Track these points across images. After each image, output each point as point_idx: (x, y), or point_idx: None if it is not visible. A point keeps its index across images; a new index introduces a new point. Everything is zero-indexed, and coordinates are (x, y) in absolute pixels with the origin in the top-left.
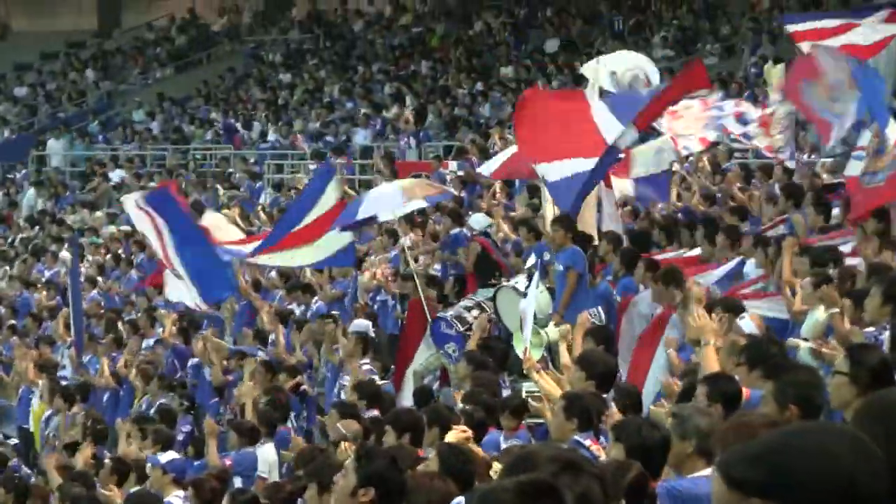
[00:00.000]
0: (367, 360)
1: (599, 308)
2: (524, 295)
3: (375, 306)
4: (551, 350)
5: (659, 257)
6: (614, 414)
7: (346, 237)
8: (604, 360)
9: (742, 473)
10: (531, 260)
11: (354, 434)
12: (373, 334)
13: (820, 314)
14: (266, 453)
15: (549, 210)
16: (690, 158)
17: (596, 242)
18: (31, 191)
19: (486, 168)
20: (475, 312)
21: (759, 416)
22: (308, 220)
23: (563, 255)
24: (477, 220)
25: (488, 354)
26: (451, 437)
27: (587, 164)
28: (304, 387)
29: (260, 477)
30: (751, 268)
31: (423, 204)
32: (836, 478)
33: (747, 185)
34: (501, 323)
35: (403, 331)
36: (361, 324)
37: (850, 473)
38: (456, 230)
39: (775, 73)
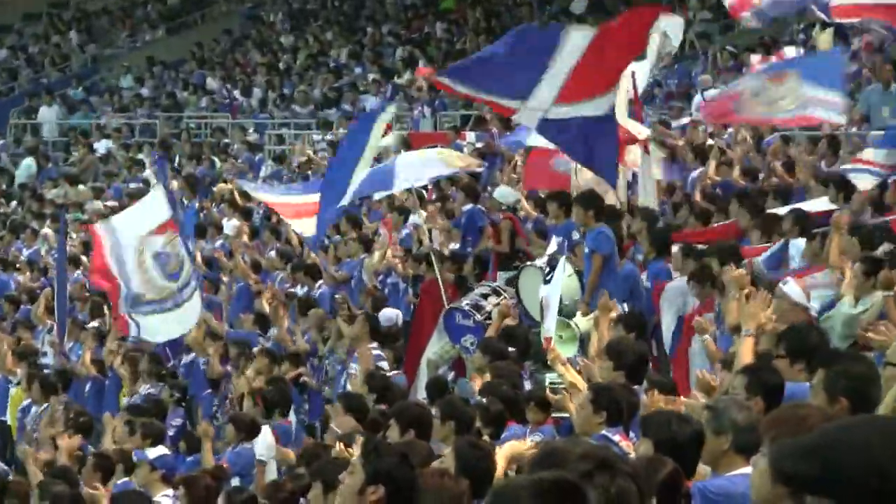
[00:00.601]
0: (375, 345)
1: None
2: (547, 281)
3: (386, 290)
4: (583, 342)
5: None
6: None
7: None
8: (633, 349)
9: (793, 468)
10: (553, 244)
11: (351, 432)
12: (400, 324)
13: (874, 298)
14: (263, 437)
15: (575, 184)
16: (730, 130)
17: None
18: (29, 160)
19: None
20: (493, 299)
21: (814, 408)
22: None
23: (588, 236)
24: (504, 194)
25: (510, 343)
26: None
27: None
28: (304, 378)
29: (259, 461)
30: (796, 249)
31: (446, 173)
32: (889, 475)
33: (790, 160)
34: (522, 307)
35: (416, 315)
36: (390, 315)
37: None
38: (469, 206)
39: (824, 39)
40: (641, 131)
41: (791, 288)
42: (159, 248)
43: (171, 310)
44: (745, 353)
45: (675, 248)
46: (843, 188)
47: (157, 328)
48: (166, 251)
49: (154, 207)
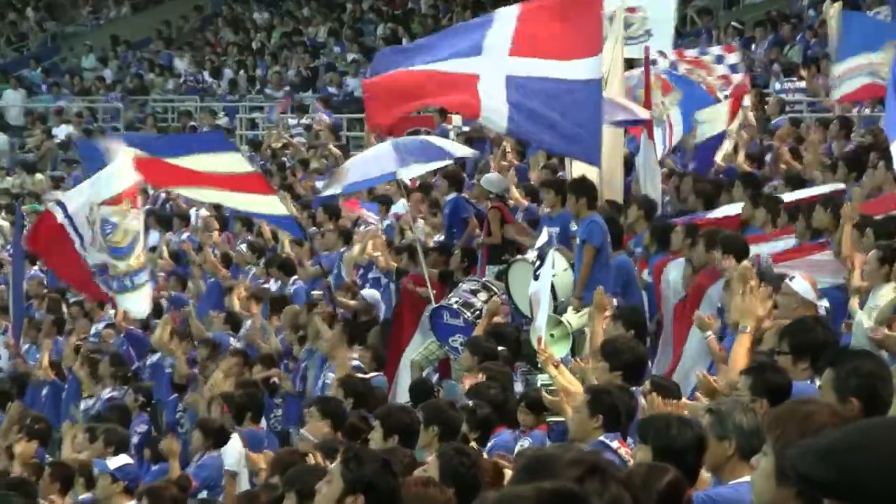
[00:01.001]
0: (355, 354)
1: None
2: (536, 276)
3: (367, 285)
4: (575, 340)
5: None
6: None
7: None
8: (631, 348)
9: (811, 471)
10: (543, 236)
11: (322, 440)
12: (382, 308)
13: (888, 291)
14: (232, 446)
15: (571, 171)
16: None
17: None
18: (3, 137)
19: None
20: (483, 295)
21: (821, 404)
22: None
23: (581, 227)
24: (493, 181)
25: (499, 342)
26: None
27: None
28: (276, 380)
29: (228, 472)
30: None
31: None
32: None
33: (799, 145)
34: (513, 303)
35: (396, 313)
36: (373, 294)
37: None
38: (453, 195)
39: (835, 8)
40: (644, 113)
41: (799, 284)
42: (108, 216)
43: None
44: (740, 352)
45: (676, 229)
46: (855, 167)
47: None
48: (113, 220)
49: (110, 178)
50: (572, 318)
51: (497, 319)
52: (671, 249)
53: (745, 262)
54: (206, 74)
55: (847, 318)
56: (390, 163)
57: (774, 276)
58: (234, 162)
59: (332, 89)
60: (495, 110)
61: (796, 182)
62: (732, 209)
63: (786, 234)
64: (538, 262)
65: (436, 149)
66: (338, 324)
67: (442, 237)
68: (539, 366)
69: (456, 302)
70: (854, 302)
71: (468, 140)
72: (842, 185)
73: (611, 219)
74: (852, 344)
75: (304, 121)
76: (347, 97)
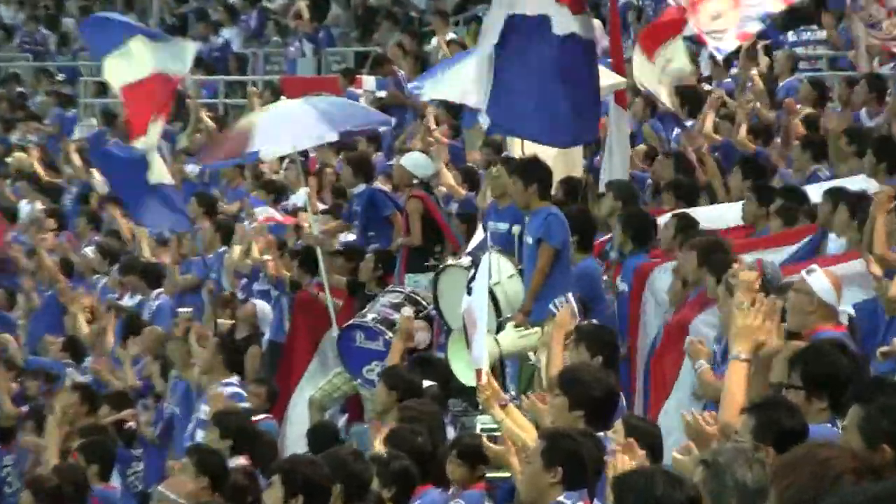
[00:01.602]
0: (233, 380)
1: (570, 296)
2: (469, 290)
3: (252, 299)
4: (504, 366)
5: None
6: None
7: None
8: (598, 379)
9: None
10: (478, 235)
11: (188, 499)
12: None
13: None
14: None
15: (516, 149)
16: (734, 69)
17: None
18: None
19: (424, 87)
20: (408, 310)
21: (840, 448)
22: None
23: (531, 221)
24: (417, 162)
25: (426, 373)
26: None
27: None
28: (130, 424)
29: None
30: (837, 245)
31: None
32: None
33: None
34: (444, 321)
35: (289, 336)
36: (262, 308)
37: None
38: (362, 187)
39: None
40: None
41: (818, 280)
42: None
43: None
44: (734, 385)
45: (663, 218)
46: (887, 154)
47: None
48: None
49: None
50: (507, 338)
51: (419, 338)
52: (657, 246)
53: (749, 271)
54: (41, 27)
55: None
56: (315, 125)
57: (783, 287)
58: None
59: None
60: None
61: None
62: (731, 212)
63: (805, 235)
64: (472, 271)
65: (365, 111)
66: (210, 342)
67: (353, 237)
68: (479, 405)
69: (373, 319)
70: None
71: (383, 109)
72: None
73: (582, 212)
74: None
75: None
76: (221, 52)
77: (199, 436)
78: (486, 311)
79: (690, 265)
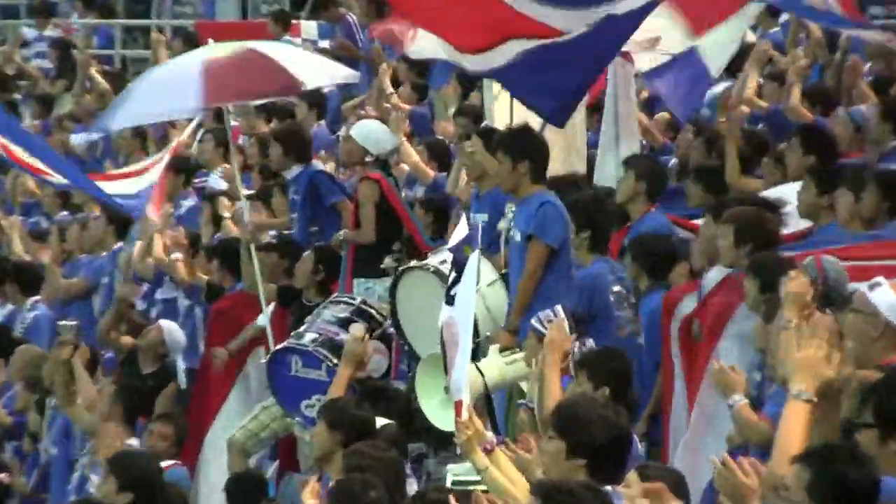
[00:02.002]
0: (133, 442)
1: (559, 308)
2: (451, 297)
3: (153, 310)
4: (490, 399)
5: None
6: None
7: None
8: (603, 419)
9: None
10: (461, 227)
11: None
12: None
13: None
14: None
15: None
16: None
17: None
18: None
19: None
20: (358, 327)
21: None
22: None
23: (521, 210)
24: (370, 135)
25: (380, 407)
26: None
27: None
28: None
29: None
30: None
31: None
32: None
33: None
34: (405, 341)
35: (205, 359)
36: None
37: None
38: (298, 169)
39: None
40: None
41: (884, 296)
42: None
43: None
44: (793, 431)
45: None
46: None
47: None
48: None
49: None
50: (492, 367)
51: (373, 364)
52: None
53: (800, 279)
54: None
55: None
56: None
57: (849, 296)
58: None
59: None
60: None
61: None
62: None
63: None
64: (452, 275)
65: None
66: (106, 392)
67: (290, 231)
68: (458, 450)
69: (313, 341)
70: None
71: None
72: None
73: (595, 200)
74: None
75: (48, 32)
76: None
77: (92, 484)
78: (471, 326)
79: (726, 241)
